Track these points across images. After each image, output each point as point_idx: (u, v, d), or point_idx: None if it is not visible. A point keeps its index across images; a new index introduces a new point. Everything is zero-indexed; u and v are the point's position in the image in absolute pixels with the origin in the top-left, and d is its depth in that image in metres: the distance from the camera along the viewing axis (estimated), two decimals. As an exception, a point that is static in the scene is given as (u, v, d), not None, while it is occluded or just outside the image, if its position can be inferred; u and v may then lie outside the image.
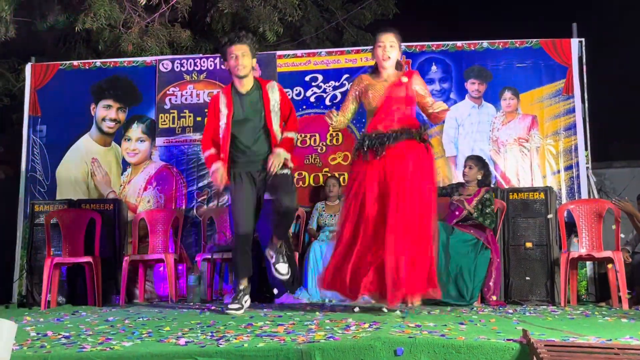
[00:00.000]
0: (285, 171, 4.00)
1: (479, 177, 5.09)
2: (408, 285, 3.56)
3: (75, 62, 6.60)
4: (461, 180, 5.27)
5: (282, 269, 4.07)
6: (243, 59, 4.02)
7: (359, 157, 3.90)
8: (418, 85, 3.97)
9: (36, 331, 3.26)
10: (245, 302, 4.00)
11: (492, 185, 5.30)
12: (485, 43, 5.98)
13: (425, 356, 2.45)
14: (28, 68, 6.48)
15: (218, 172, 4.00)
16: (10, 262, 6.11)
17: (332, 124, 4.03)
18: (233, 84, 4.15)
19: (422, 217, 3.70)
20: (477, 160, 5.16)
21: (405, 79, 3.93)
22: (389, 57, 3.92)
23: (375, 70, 4.06)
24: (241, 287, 4.02)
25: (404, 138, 3.80)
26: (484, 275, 4.84)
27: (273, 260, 4.09)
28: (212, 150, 4.10)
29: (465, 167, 5.16)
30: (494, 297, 4.81)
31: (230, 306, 3.92)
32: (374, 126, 3.91)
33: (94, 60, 6.63)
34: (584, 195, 5.60)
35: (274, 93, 4.10)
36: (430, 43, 6.08)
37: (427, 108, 3.99)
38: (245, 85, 4.10)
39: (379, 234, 3.66)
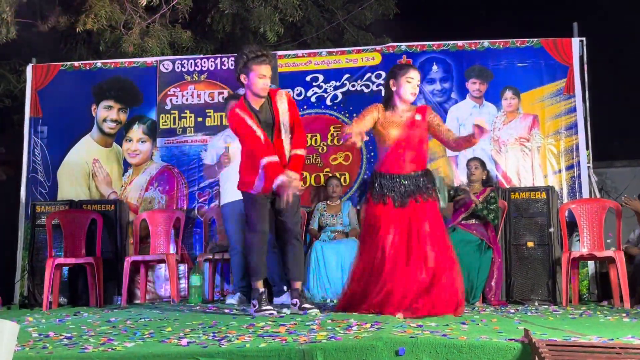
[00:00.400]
0: (296, 193, 3.87)
1: (484, 177, 5.18)
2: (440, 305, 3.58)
3: (76, 63, 6.61)
4: (461, 179, 5.34)
5: (309, 306, 3.86)
6: (269, 80, 3.92)
7: (376, 201, 3.83)
8: (431, 119, 3.92)
9: (38, 332, 3.26)
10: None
11: (494, 185, 5.32)
12: (486, 43, 5.97)
13: (427, 356, 2.45)
14: (29, 69, 6.49)
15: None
16: (11, 263, 6.12)
17: (349, 134, 3.62)
18: (246, 99, 3.97)
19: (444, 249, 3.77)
20: (480, 162, 5.29)
21: (419, 117, 3.87)
22: (416, 94, 3.91)
23: (388, 103, 3.93)
24: (261, 290, 3.90)
25: (424, 190, 3.81)
26: (487, 275, 4.85)
27: (298, 306, 3.86)
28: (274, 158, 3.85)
29: (471, 168, 5.22)
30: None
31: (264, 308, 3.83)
32: (387, 166, 3.85)
33: (95, 61, 6.64)
34: (585, 194, 5.60)
35: (282, 103, 3.95)
36: (431, 43, 6.08)
37: (443, 138, 3.95)
38: (260, 102, 3.96)
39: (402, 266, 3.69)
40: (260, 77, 3.87)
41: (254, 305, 3.85)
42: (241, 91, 4.29)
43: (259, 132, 3.84)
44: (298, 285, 3.95)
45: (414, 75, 3.86)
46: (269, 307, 3.85)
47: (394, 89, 3.88)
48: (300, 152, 3.94)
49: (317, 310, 3.77)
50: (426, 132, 3.92)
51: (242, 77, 3.91)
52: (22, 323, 3.66)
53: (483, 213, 4.93)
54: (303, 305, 3.83)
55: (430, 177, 3.90)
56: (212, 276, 5.61)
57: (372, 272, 3.73)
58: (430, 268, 3.64)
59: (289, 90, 5.97)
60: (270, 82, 3.96)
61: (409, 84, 3.84)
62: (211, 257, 5.53)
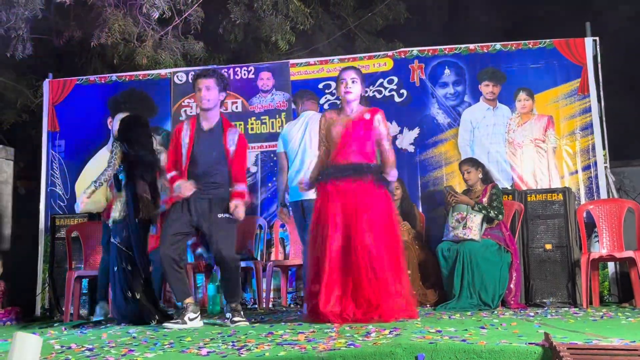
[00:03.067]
0: (226, 215, 4.02)
1: (480, 175, 5.10)
2: (384, 309, 3.58)
3: (91, 77, 6.70)
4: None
5: (240, 321, 3.95)
6: (206, 92, 4.10)
7: (319, 189, 3.95)
8: (378, 124, 3.96)
9: (60, 344, 3.30)
10: (191, 319, 3.95)
11: (494, 181, 5.26)
12: (498, 45, 5.96)
13: (446, 362, 2.44)
14: (46, 84, 6.59)
15: (182, 185, 4.03)
16: (32, 275, 6.19)
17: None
18: (198, 117, 4.21)
19: (391, 246, 3.76)
20: (472, 162, 5.18)
21: (367, 116, 3.95)
22: (351, 92, 3.95)
23: (340, 107, 4.08)
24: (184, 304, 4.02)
25: (351, 173, 3.83)
26: (507, 279, 4.81)
27: (230, 318, 4.00)
28: (174, 173, 4.16)
29: (463, 173, 5.16)
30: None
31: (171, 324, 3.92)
32: (333, 159, 3.93)
33: (110, 75, 6.73)
34: (603, 195, 5.54)
35: (233, 136, 4.17)
36: (442, 47, 6.08)
37: (381, 151, 4.00)
38: (210, 121, 4.17)
39: (345, 264, 3.70)
40: (198, 91, 4.12)
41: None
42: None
43: (184, 152, 4.09)
44: (231, 302, 4.07)
45: (344, 75, 3.98)
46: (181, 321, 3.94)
47: (336, 94, 4.10)
48: (241, 188, 4.13)
49: (246, 322, 3.92)
50: (371, 132, 3.94)
51: (194, 98, 4.20)
52: (44, 335, 3.71)
53: (488, 213, 4.88)
54: (233, 319, 3.97)
55: (378, 170, 3.91)
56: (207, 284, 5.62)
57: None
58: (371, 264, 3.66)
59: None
60: (209, 95, 4.10)
61: (341, 85, 3.97)
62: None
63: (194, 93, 6.25)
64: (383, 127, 3.98)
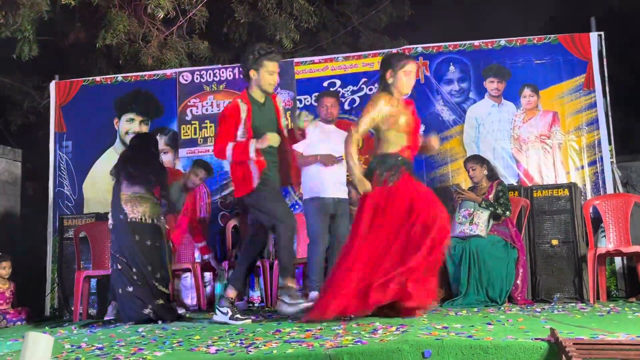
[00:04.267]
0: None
1: (486, 172, 5.08)
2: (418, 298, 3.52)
3: (97, 78, 6.74)
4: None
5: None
6: (277, 76, 4.06)
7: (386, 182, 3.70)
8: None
9: (70, 343, 3.33)
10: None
11: (500, 177, 5.25)
12: (502, 41, 5.95)
13: (453, 358, 2.45)
14: (52, 85, 6.63)
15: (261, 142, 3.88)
16: (41, 276, 6.24)
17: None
18: (249, 93, 4.05)
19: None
20: (476, 160, 5.16)
21: (410, 107, 3.89)
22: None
23: (388, 91, 3.78)
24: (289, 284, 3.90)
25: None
26: (514, 275, 4.81)
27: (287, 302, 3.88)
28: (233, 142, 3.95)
29: (468, 171, 5.14)
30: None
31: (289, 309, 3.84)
32: (403, 151, 3.78)
33: (116, 75, 6.76)
34: (609, 190, 5.54)
35: (281, 106, 4.18)
36: (447, 43, 6.07)
37: None
38: (263, 98, 4.09)
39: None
40: (270, 74, 3.96)
41: (284, 301, 3.85)
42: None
43: (244, 129, 3.91)
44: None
45: (412, 68, 3.77)
46: (302, 300, 3.84)
47: (390, 81, 3.76)
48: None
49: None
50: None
51: (252, 73, 3.99)
52: (54, 335, 3.74)
53: (495, 210, 4.88)
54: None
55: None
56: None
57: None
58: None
59: (307, 96, 6.06)
60: (276, 78, 4.05)
61: (407, 77, 3.75)
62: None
63: (201, 92, 6.39)
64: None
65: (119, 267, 4.48)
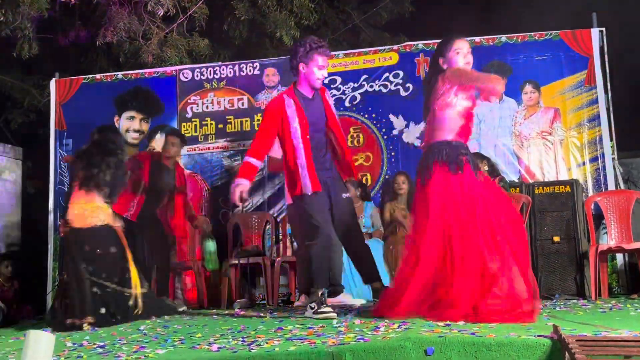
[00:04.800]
0: (347, 195, 3.90)
1: (486, 168, 5.07)
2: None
3: (97, 76, 6.73)
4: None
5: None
6: (326, 72, 3.96)
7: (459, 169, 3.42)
8: None
9: (72, 341, 3.33)
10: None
11: (501, 174, 5.24)
12: (503, 37, 5.94)
13: (455, 355, 2.45)
14: (52, 83, 6.62)
15: (238, 188, 3.75)
16: (42, 274, 6.24)
17: None
18: (297, 88, 3.93)
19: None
20: (476, 156, 5.10)
21: None
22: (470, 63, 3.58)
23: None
24: (320, 292, 3.75)
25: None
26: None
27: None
28: (253, 161, 3.82)
29: None
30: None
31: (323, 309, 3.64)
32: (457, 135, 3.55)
33: (116, 73, 6.75)
34: (611, 186, 5.53)
35: (330, 101, 4.05)
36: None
37: None
38: (311, 93, 3.97)
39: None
40: (320, 68, 3.87)
41: (311, 308, 3.70)
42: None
43: (296, 125, 3.76)
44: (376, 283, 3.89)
45: (462, 45, 3.54)
46: (327, 308, 3.66)
47: (445, 67, 3.53)
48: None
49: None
50: None
51: (301, 66, 3.88)
52: (55, 333, 3.74)
53: None
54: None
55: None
56: (239, 281, 5.65)
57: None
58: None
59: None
60: (325, 74, 3.93)
61: (458, 55, 3.51)
62: (237, 262, 5.57)
63: (201, 89, 6.39)
64: None
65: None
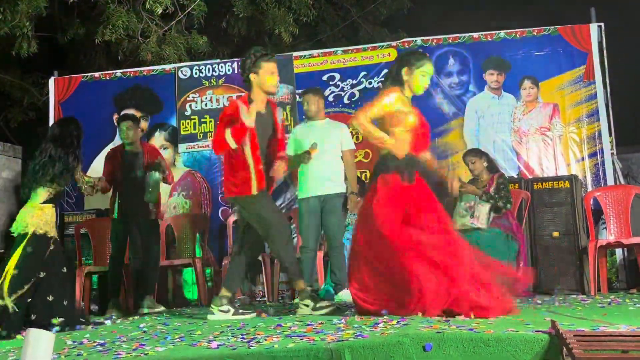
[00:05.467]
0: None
1: (485, 164, 5.06)
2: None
3: (96, 74, 6.73)
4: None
5: (324, 303, 3.83)
6: (277, 77, 3.97)
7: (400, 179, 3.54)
8: None
9: (72, 339, 3.34)
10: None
11: (500, 170, 5.24)
12: (502, 33, 5.94)
13: (454, 351, 2.45)
14: (51, 82, 6.62)
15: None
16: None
17: None
18: (251, 97, 3.94)
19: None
20: (475, 152, 5.14)
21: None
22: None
23: (400, 87, 3.68)
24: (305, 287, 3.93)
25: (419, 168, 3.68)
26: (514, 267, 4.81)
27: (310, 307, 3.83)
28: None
29: (468, 164, 5.11)
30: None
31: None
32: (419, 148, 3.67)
33: (115, 71, 6.75)
34: (610, 181, 5.53)
35: (279, 116, 4.08)
36: (446, 36, 6.06)
37: None
38: (263, 105, 3.97)
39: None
40: (271, 74, 3.90)
41: (307, 305, 3.78)
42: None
43: (248, 137, 3.82)
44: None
45: (429, 69, 3.68)
46: (325, 302, 3.81)
47: (406, 78, 3.65)
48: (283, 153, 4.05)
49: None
50: None
51: (252, 76, 3.91)
52: (55, 331, 3.74)
53: (496, 203, 4.87)
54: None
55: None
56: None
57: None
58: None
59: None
60: (277, 80, 3.97)
61: (424, 78, 3.66)
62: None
63: (200, 87, 6.39)
64: None
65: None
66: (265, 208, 3.90)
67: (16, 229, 4.07)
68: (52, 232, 4.14)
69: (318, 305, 3.76)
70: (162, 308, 5.00)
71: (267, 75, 3.89)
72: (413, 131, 3.64)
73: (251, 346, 2.64)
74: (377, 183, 3.56)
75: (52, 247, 4.09)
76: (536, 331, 2.48)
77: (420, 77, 3.65)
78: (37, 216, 4.07)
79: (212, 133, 6.28)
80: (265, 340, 2.76)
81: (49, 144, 4.25)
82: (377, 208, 3.48)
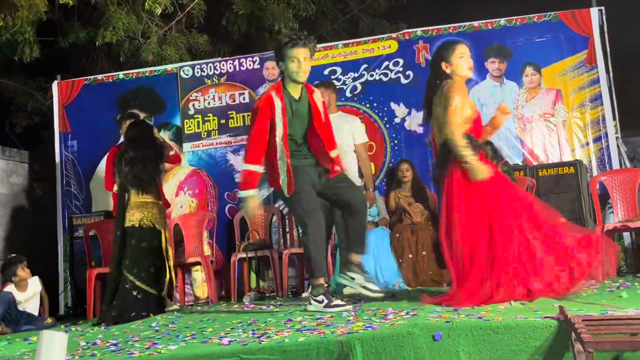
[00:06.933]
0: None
1: (489, 153, 5.05)
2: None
3: (99, 76, 6.75)
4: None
5: (373, 287, 3.79)
6: (303, 63, 3.76)
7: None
8: None
9: (85, 340, 3.38)
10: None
11: (504, 158, 5.24)
12: (502, 21, 5.92)
13: (463, 339, 2.47)
14: (55, 86, 6.65)
15: (249, 202, 3.73)
16: (54, 275, 6.30)
17: None
18: (284, 86, 3.83)
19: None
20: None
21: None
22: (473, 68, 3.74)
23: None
24: (320, 282, 3.70)
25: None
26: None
27: (357, 281, 3.74)
28: (254, 167, 3.73)
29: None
30: None
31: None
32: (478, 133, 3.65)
33: (117, 73, 6.77)
34: (615, 165, 5.52)
35: (318, 101, 3.90)
36: (446, 25, 6.04)
37: None
38: (297, 90, 3.84)
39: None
40: (292, 61, 3.76)
41: (321, 302, 3.63)
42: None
43: (280, 127, 3.71)
44: (356, 259, 3.80)
45: (463, 50, 3.66)
46: (339, 302, 3.63)
47: (449, 71, 3.64)
48: (335, 153, 3.89)
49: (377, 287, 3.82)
50: None
51: (280, 64, 3.84)
52: (69, 333, 3.79)
53: None
54: (367, 285, 3.77)
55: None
56: (248, 275, 5.70)
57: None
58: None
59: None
60: (305, 65, 3.78)
61: (463, 59, 3.64)
62: (245, 256, 5.61)
63: (202, 86, 6.40)
64: None
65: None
66: (300, 203, 3.74)
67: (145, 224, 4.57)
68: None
69: (333, 304, 3.61)
70: (176, 307, 5.04)
71: (290, 62, 3.76)
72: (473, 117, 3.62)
73: (262, 341, 2.66)
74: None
75: None
76: (545, 317, 2.50)
77: (460, 60, 3.64)
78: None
79: (216, 131, 6.31)
80: (276, 335, 2.79)
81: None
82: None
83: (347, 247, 3.95)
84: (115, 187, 4.99)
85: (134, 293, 4.53)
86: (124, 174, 4.64)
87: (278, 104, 3.75)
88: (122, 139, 6.13)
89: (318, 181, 3.84)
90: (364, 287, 3.77)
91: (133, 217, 4.60)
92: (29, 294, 5.22)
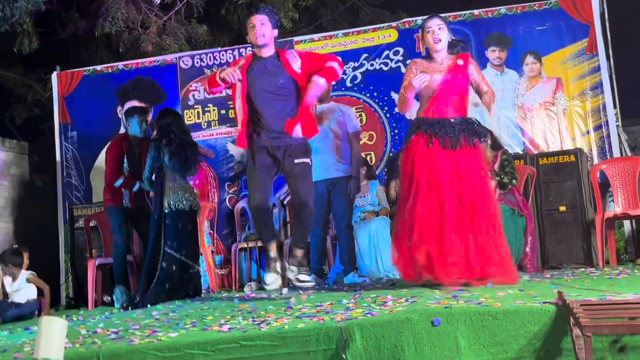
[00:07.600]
0: (306, 160, 3.89)
1: (489, 142, 5.03)
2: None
3: (98, 67, 6.74)
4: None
5: (304, 277, 3.87)
6: (258, 29, 3.86)
7: (420, 141, 3.75)
8: (473, 67, 3.88)
9: (86, 329, 3.38)
10: (280, 270, 3.88)
11: (504, 147, 5.23)
12: (502, 9, 5.89)
13: (462, 325, 2.47)
14: (54, 77, 6.64)
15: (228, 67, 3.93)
16: (55, 266, 6.32)
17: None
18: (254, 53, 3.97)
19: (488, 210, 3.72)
20: (479, 128, 5.09)
21: (461, 62, 3.81)
22: (440, 40, 3.77)
23: (428, 57, 3.89)
24: (271, 254, 3.91)
25: (465, 131, 3.76)
26: (522, 243, 4.82)
27: (294, 273, 3.87)
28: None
29: None
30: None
31: (267, 280, 3.87)
32: (431, 112, 3.80)
33: (116, 64, 6.76)
34: (616, 154, 5.51)
35: (295, 62, 3.88)
36: (446, 14, 6.00)
37: (479, 87, 3.91)
38: (265, 53, 3.93)
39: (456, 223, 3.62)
40: (250, 29, 3.90)
41: (291, 271, 3.88)
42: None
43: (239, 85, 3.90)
44: (298, 253, 3.94)
45: (430, 23, 3.82)
46: (305, 277, 3.87)
47: (423, 47, 3.92)
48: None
49: (309, 278, 3.90)
50: (467, 79, 3.84)
51: (248, 39, 3.97)
52: (70, 322, 3.79)
53: (501, 179, 4.87)
54: (299, 277, 3.88)
55: (472, 125, 3.83)
56: (249, 265, 5.71)
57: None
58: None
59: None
60: (262, 30, 3.85)
61: (428, 34, 3.81)
62: (246, 246, 5.62)
63: (202, 76, 6.38)
64: (477, 71, 3.91)
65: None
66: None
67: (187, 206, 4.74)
68: None
69: (301, 276, 3.83)
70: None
71: (250, 30, 3.91)
72: (437, 92, 3.81)
73: (262, 328, 2.67)
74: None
75: None
76: (543, 303, 2.50)
77: (427, 35, 3.84)
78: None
79: (216, 122, 6.30)
80: (276, 322, 2.79)
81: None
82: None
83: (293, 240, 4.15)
84: (120, 181, 4.99)
85: (188, 271, 4.74)
86: (167, 160, 4.73)
87: (242, 63, 4.01)
88: (122, 130, 6.18)
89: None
90: (297, 279, 3.87)
91: (177, 200, 4.71)
92: (19, 285, 5.22)
